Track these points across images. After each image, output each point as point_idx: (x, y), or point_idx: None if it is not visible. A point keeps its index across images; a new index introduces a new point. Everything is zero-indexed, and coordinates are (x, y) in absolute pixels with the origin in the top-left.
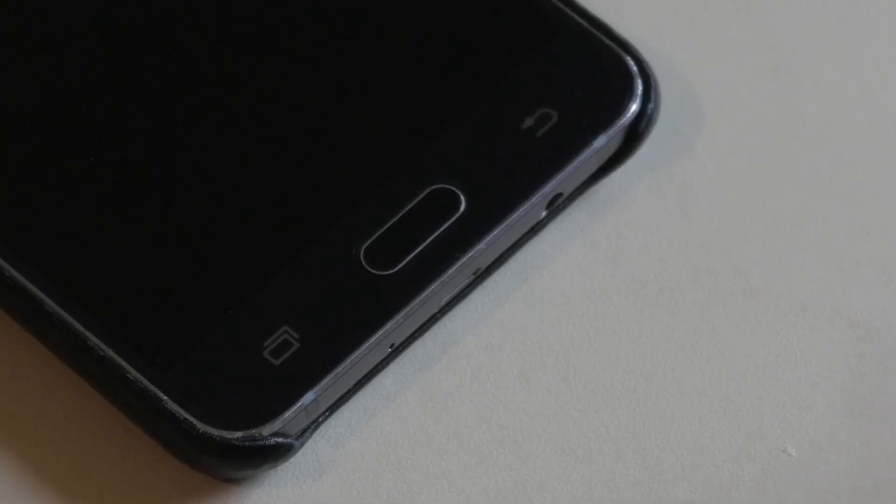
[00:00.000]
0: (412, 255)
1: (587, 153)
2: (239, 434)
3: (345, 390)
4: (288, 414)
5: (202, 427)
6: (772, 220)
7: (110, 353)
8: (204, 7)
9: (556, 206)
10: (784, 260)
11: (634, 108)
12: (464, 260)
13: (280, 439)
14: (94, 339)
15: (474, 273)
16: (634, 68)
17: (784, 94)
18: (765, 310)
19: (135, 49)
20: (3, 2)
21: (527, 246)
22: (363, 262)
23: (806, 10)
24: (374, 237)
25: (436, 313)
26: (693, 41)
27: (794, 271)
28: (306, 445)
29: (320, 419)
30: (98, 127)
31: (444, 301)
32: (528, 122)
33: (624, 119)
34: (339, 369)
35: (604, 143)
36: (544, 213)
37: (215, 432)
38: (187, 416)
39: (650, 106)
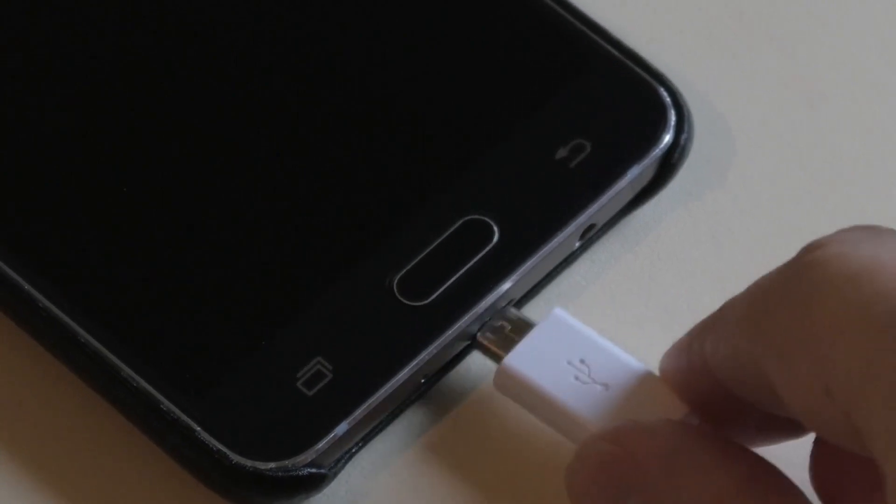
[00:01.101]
0: (445, 286)
1: (620, 184)
2: (272, 465)
3: (378, 421)
4: (321, 444)
5: (235, 457)
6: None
7: (143, 383)
8: (234, 40)
9: (590, 236)
10: None
11: (668, 138)
12: (497, 291)
13: (313, 470)
14: (126, 370)
15: (508, 304)
16: (668, 99)
17: (817, 125)
18: None
19: (167, 85)
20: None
21: (561, 276)
22: (396, 293)
23: (840, 41)
24: (408, 268)
25: (469, 344)
26: (726, 71)
27: None
28: (339, 476)
29: (353, 450)
30: (131, 160)
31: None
32: (562, 152)
33: (657, 150)
34: (372, 400)
35: (637, 173)
36: (578, 244)
37: (248, 463)
38: (220, 446)
39: (683, 136)
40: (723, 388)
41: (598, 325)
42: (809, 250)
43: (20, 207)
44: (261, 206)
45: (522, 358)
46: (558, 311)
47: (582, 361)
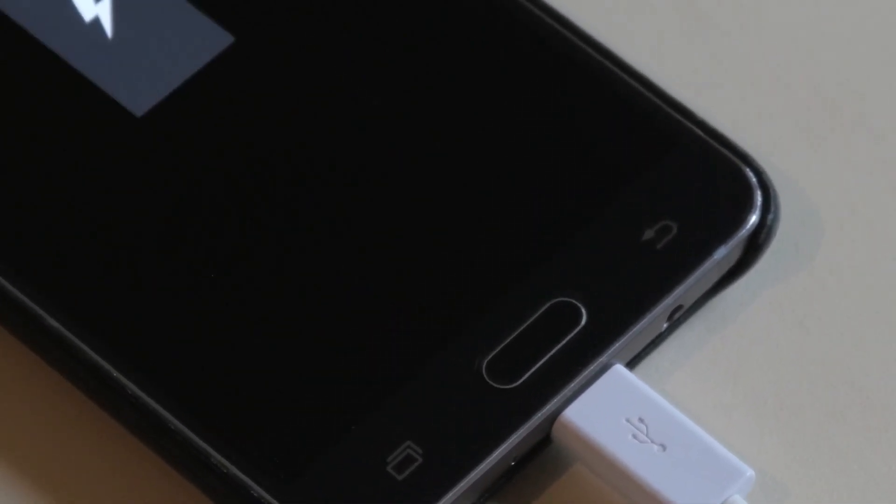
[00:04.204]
0: (534, 368)
1: (707, 265)
2: None
3: None
4: None
5: None
6: (892, 336)
7: (233, 469)
8: (325, 126)
9: (677, 318)
10: None
11: (754, 219)
12: (585, 373)
13: None
14: (217, 456)
15: None
16: (754, 179)
17: None
18: (885, 426)
19: (255, 165)
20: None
21: (648, 358)
22: (485, 376)
23: None
24: (496, 351)
25: None
26: (815, 155)
27: None
28: None
29: None
30: (221, 242)
31: None
32: (649, 234)
33: (743, 230)
34: (462, 484)
35: (724, 254)
36: (665, 325)
37: None
38: None
39: (770, 217)
40: None
41: (685, 409)
42: None
43: (107, 294)
44: (349, 290)
45: (581, 412)
46: (618, 367)
47: (640, 420)
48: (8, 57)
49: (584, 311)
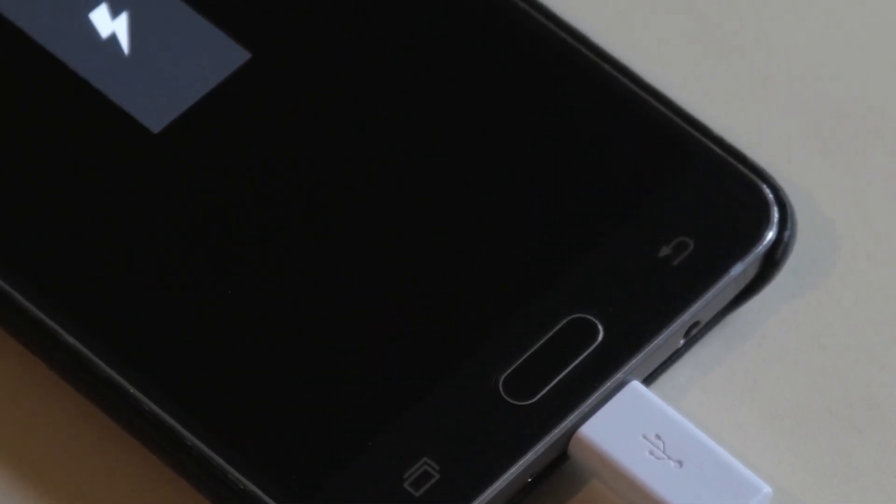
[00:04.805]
0: (551, 385)
1: (724, 281)
2: None
3: None
4: None
5: None
6: None
7: (250, 486)
8: (341, 145)
9: (694, 334)
10: None
11: (771, 235)
12: (602, 390)
13: None
14: (232, 472)
15: None
16: (770, 196)
17: None
18: None
19: (272, 180)
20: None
21: (663, 376)
22: (502, 393)
23: None
24: (513, 367)
25: None
26: (830, 170)
27: None
28: None
29: None
30: (237, 261)
31: None
32: (665, 250)
33: (760, 247)
34: (479, 501)
35: (741, 270)
36: (682, 342)
37: None
38: None
39: (786, 233)
40: None
41: (701, 425)
42: None
43: (121, 304)
44: (366, 305)
45: (598, 429)
46: (635, 384)
47: (657, 436)
48: (25, 73)
49: (600, 327)
